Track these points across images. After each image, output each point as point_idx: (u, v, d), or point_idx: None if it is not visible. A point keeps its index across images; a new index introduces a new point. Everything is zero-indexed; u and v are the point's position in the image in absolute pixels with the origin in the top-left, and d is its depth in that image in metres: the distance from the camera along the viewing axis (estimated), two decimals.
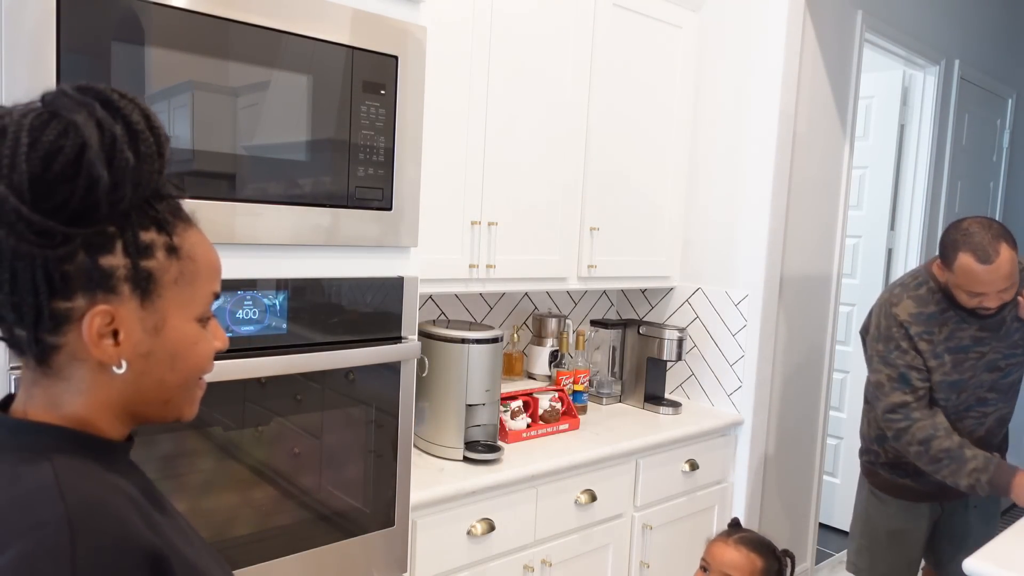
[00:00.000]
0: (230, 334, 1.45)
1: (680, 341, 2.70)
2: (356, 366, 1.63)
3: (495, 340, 2.09)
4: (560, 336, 2.72)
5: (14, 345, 0.70)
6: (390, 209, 1.65)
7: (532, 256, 2.36)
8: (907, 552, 2.23)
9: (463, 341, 2.04)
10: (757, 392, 2.73)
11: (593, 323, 2.88)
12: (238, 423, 1.50)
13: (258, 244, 1.48)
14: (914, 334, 2.03)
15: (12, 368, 1.18)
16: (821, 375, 3.16)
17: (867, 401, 2.25)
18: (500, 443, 2.15)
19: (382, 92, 1.61)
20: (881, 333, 2.07)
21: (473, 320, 2.61)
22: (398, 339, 1.70)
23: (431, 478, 1.92)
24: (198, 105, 1.37)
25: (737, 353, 2.74)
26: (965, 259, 1.88)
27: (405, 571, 1.79)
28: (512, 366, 2.70)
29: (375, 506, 1.72)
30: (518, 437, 2.25)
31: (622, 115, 2.56)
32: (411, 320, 1.73)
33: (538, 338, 2.74)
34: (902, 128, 3.63)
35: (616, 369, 2.84)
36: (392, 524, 1.74)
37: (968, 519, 2.23)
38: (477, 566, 1.97)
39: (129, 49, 1.28)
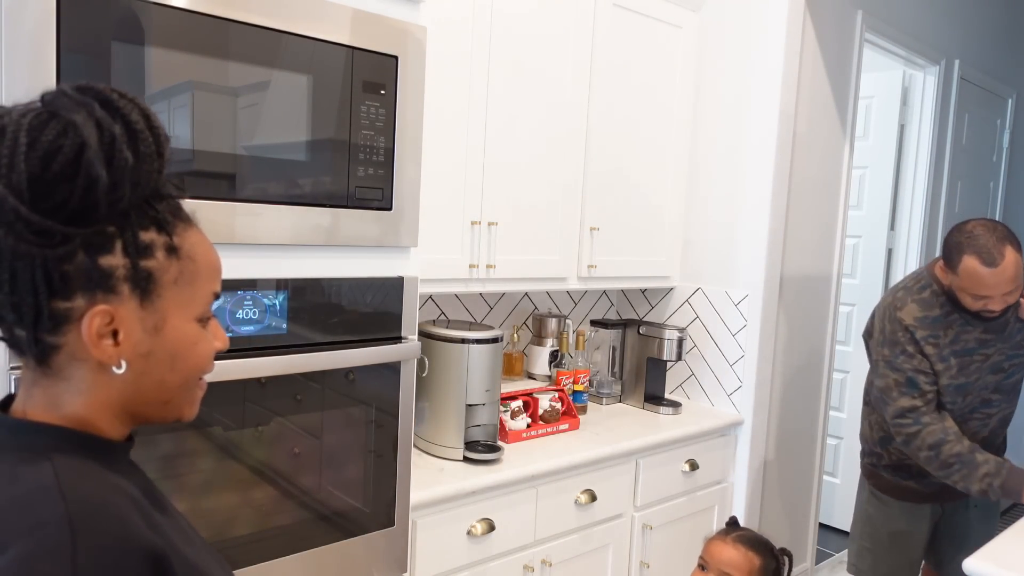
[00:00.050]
0: (230, 334, 1.45)
1: (680, 341, 2.70)
2: (356, 366, 1.63)
3: (495, 340, 2.09)
4: (560, 336, 2.72)
5: (14, 345, 0.70)
6: (390, 209, 1.65)
7: (532, 256, 2.36)
8: (908, 553, 2.23)
9: (463, 341, 2.04)
10: (757, 392, 2.73)
11: (593, 323, 2.88)
12: (238, 423, 1.50)
13: (258, 244, 1.48)
14: (920, 338, 2.01)
15: (12, 368, 1.18)
16: (821, 375, 3.16)
17: (867, 403, 2.24)
18: (500, 443, 2.15)
19: (382, 92, 1.61)
20: (886, 338, 2.06)
21: (473, 320, 2.61)
22: (398, 339, 1.70)
23: (431, 478, 1.91)
24: (198, 105, 1.37)
25: (737, 353, 2.74)
26: (970, 262, 1.87)
27: (405, 571, 1.79)
28: (512, 366, 2.70)
29: (375, 506, 1.72)
30: (518, 437, 2.25)
31: (622, 115, 2.56)
32: (411, 320, 1.73)
33: (538, 338, 2.74)
34: (902, 128, 3.63)
35: (616, 369, 2.84)
36: (392, 524, 1.74)
37: (969, 518, 2.23)
38: (477, 566, 1.97)
39: (129, 49, 1.28)
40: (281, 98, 1.47)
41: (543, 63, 2.30)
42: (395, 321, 1.70)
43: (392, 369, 1.71)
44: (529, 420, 2.33)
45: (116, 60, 1.27)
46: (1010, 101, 4.25)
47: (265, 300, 1.49)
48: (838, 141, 3.03)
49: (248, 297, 1.47)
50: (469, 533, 1.94)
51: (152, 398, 0.73)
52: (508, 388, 2.45)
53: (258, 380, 1.51)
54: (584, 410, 2.60)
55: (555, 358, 2.70)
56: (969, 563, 1.61)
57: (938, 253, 3.66)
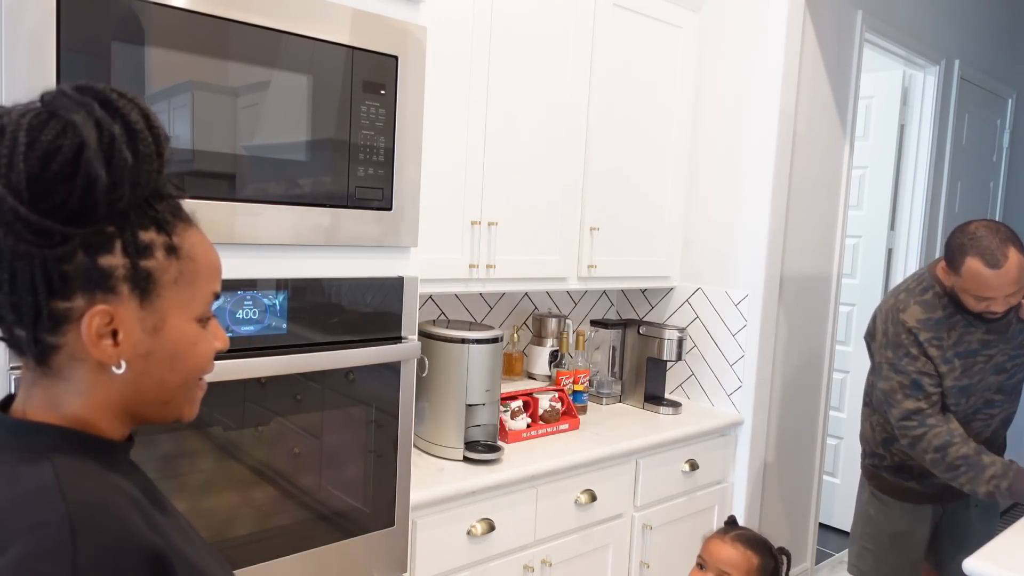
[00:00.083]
0: (230, 334, 1.45)
1: (680, 341, 2.70)
2: (356, 366, 1.63)
3: (495, 340, 2.09)
4: (560, 336, 2.72)
5: (14, 345, 0.70)
6: (390, 209, 1.65)
7: (532, 256, 2.36)
8: (910, 554, 2.22)
9: (463, 341, 2.04)
10: (757, 392, 2.73)
11: (593, 323, 2.88)
12: (238, 423, 1.50)
13: (258, 244, 1.48)
14: (923, 340, 2.00)
15: (12, 368, 1.18)
16: (821, 375, 3.16)
17: (868, 404, 2.24)
18: (500, 443, 2.15)
19: (382, 92, 1.61)
20: (889, 340, 2.05)
21: (473, 320, 2.61)
22: (398, 339, 1.70)
23: (431, 478, 1.91)
24: (198, 105, 1.37)
25: (737, 353, 2.74)
26: (973, 264, 1.86)
27: (405, 571, 1.79)
28: (512, 366, 2.70)
29: (375, 506, 1.72)
30: (518, 437, 2.25)
31: (622, 115, 2.56)
32: (411, 320, 1.73)
33: (538, 338, 2.74)
34: (902, 128, 3.63)
35: (616, 369, 2.84)
36: (392, 524, 1.74)
37: (969, 518, 2.23)
38: (477, 566, 1.97)
39: (129, 49, 1.28)
40: (281, 98, 1.47)
41: (543, 63, 2.30)
42: (395, 321, 1.70)
43: (392, 369, 1.71)
44: (529, 420, 2.33)
45: (116, 60, 1.27)
46: (1010, 101, 4.25)
47: (265, 300, 1.49)
48: (838, 141, 3.03)
49: (248, 297, 1.47)
50: (469, 533, 1.94)
51: (152, 398, 0.73)
52: (508, 388, 2.45)
53: (258, 380, 1.51)
54: (584, 410, 2.60)
55: (555, 358, 2.70)
56: (969, 563, 1.61)
57: (938, 253, 3.68)
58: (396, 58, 1.62)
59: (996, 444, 2.18)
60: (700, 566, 1.67)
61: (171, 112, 1.35)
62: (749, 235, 2.71)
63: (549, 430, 2.34)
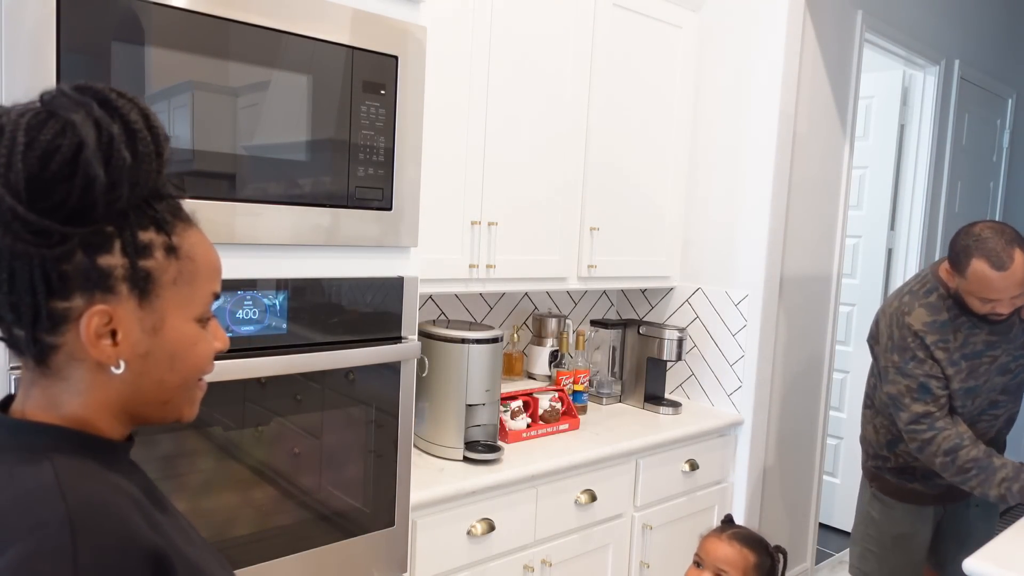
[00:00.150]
0: (230, 334, 1.45)
1: (680, 341, 2.70)
2: (356, 366, 1.63)
3: (495, 340, 2.09)
4: (560, 336, 2.72)
5: (13, 345, 0.70)
6: (390, 209, 1.65)
7: (532, 256, 2.36)
8: (912, 555, 2.22)
9: (463, 341, 2.04)
10: (757, 392, 2.73)
11: (593, 323, 2.88)
12: (238, 423, 1.50)
13: (258, 244, 1.48)
14: (930, 343, 1.99)
15: (12, 368, 1.18)
16: (821, 375, 3.16)
17: (869, 406, 2.23)
18: (500, 443, 2.15)
19: (382, 92, 1.61)
20: (895, 344, 2.03)
21: (473, 320, 2.61)
22: (398, 339, 1.70)
23: (431, 478, 1.91)
24: (198, 105, 1.37)
25: (737, 353, 2.74)
26: (979, 265, 1.85)
27: (405, 571, 1.79)
28: (512, 366, 2.70)
29: (375, 506, 1.72)
30: (518, 437, 2.25)
31: (622, 115, 2.56)
32: (411, 320, 1.73)
33: (538, 338, 2.74)
34: (902, 128, 3.63)
35: (616, 369, 2.84)
36: (392, 524, 1.74)
37: (970, 518, 2.23)
38: (477, 566, 1.97)
39: (129, 49, 1.28)
40: (281, 98, 1.47)
41: (543, 63, 2.30)
42: (395, 321, 1.70)
43: (392, 369, 1.71)
44: (529, 420, 2.33)
45: (116, 60, 1.27)
46: (1010, 101, 4.25)
47: (265, 300, 1.49)
48: (838, 141, 3.03)
49: (248, 297, 1.47)
50: (469, 533, 1.94)
51: (151, 398, 0.73)
52: (508, 388, 2.45)
53: (258, 380, 1.51)
54: (584, 410, 2.60)
55: (555, 358, 2.70)
56: (969, 563, 1.61)
57: (938, 253, 3.68)
58: (396, 58, 1.62)
59: (998, 444, 2.18)
60: (697, 564, 1.68)
61: (171, 112, 1.35)
62: (749, 235, 2.71)
63: (549, 430, 2.34)
